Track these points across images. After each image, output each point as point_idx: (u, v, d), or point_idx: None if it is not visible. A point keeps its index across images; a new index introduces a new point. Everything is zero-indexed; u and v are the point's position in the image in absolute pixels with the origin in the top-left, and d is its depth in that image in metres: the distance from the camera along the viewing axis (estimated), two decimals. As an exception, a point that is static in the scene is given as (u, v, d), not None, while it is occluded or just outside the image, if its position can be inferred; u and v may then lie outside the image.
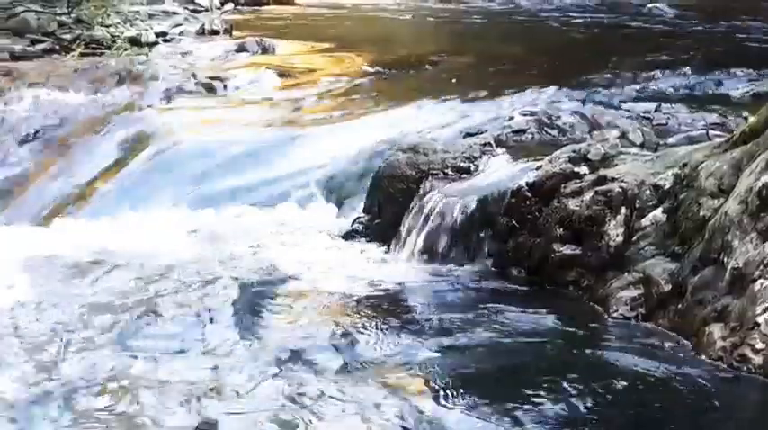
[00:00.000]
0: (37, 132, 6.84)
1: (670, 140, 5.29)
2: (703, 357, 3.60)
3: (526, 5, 16.10)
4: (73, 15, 9.96)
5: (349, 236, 5.15)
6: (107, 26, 9.96)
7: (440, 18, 14.93)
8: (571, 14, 14.31)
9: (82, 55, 9.10)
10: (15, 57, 8.87)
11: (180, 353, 3.71)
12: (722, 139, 4.41)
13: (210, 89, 7.78)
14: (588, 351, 3.78)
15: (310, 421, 3.15)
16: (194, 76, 8.18)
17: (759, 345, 3.42)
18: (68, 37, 9.55)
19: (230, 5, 13.98)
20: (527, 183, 4.66)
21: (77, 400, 3.29)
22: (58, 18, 9.87)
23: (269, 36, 10.12)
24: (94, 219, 5.54)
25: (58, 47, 9.30)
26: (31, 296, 4.24)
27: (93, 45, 9.40)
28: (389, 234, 4.99)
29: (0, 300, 4.18)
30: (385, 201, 5.15)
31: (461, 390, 3.37)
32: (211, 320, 4.05)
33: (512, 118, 5.86)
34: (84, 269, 4.66)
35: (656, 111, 6.03)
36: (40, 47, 9.23)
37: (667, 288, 3.95)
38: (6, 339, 3.81)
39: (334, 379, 3.48)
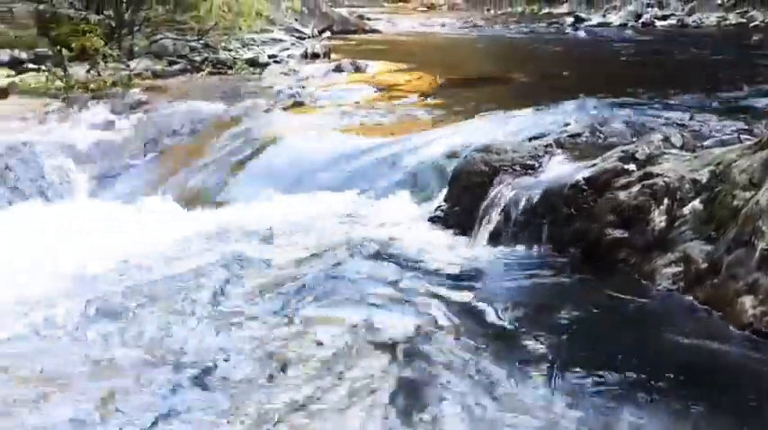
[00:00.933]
0: (182, 131, 7.03)
1: (705, 143, 5.20)
2: (735, 323, 3.57)
3: (574, 33, 15.91)
4: (202, 42, 10.24)
5: (432, 221, 5.14)
6: (229, 50, 10.24)
7: (501, 42, 14.90)
8: (615, 42, 14.16)
9: (210, 73, 9.36)
10: (156, 75, 9.15)
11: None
12: (751, 142, 4.33)
13: (316, 100, 7.91)
14: (636, 316, 3.78)
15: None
16: (302, 89, 8.34)
17: (785, 314, 3.39)
18: (198, 59, 9.82)
19: (327, 33, 14.23)
20: (583, 178, 4.62)
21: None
22: (189, 44, 10.14)
23: (360, 58, 10.25)
24: (249, 201, 5.68)
25: (190, 67, 9.57)
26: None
27: (219, 65, 9.67)
28: (466, 220, 4.97)
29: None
30: (463, 192, 5.13)
31: (526, 341, 3.48)
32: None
33: (569, 124, 5.85)
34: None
35: (690, 119, 5.96)
36: (176, 67, 9.50)
37: (704, 265, 3.89)
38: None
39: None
